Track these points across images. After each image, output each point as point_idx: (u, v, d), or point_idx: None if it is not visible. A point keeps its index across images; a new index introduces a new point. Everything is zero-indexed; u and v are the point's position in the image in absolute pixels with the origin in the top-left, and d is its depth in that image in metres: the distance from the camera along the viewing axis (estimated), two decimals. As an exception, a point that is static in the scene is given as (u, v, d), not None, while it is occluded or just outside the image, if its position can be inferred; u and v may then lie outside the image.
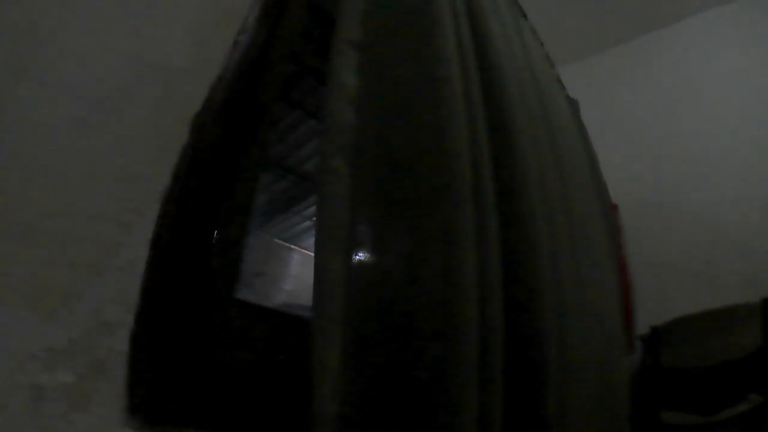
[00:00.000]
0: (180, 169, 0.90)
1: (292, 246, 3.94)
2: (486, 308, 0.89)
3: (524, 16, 1.97)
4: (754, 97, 2.83)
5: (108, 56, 0.97)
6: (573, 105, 2.21)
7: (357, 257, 0.75)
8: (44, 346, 0.77)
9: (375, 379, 0.72)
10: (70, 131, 0.89)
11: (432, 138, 0.82)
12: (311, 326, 0.72)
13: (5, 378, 0.74)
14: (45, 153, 0.86)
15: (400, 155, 0.80)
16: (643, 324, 2.53)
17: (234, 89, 1.01)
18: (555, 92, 1.98)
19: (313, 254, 0.78)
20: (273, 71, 1.11)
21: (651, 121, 3.16)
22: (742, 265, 2.55)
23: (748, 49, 2.99)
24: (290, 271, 3.96)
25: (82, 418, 0.77)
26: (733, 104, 2.91)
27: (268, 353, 0.96)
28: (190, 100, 0.97)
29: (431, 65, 0.88)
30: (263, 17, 1.15)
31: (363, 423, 0.70)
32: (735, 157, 2.79)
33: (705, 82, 3.08)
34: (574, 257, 1.46)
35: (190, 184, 0.90)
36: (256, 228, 3.64)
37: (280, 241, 3.89)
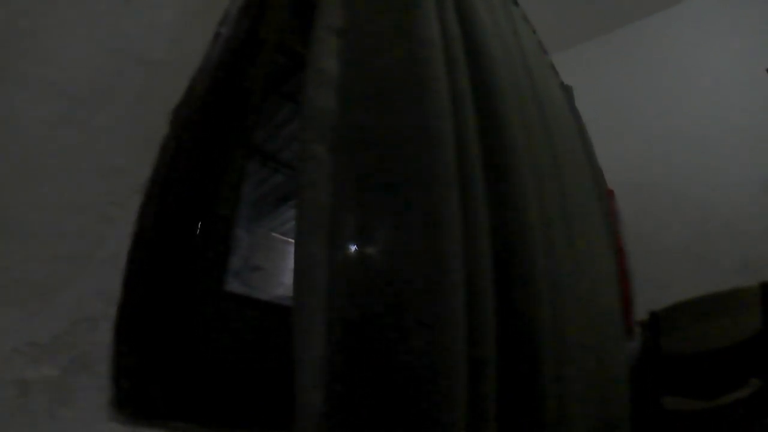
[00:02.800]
0: (162, 161, 0.89)
1: (290, 239, 3.92)
2: (476, 292, 0.88)
3: (515, 3, 1.96)
4: (747, 82, 2.82)
5: (88, 50, 0.96)
6: (567, 91, 2.20)
7: (339, 243, 0.74)
8: (28, 341, 0.76)
9: (360, 366, 0.71)
10: (51, 127, 0.88)
11: (413, 121, 0.81)
12: (293, 314, 0.72)
13: (-10, 374, 0.73)
14: (26, 149, 0.85)
15: (382, 139, 0.79)
16: (642, 310, 2.52)
17: (216, 79, 1.00)
18: (548, 79, 1.97)
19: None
20: (257, 60, 1.10)
21: (646, 107, 3.14)
22: (739, 250, 2.54)
23: (741, 34, 2.98)
24: (288, 264, 3.93)
25: (67, 413, 0.76)
26: (727, 89, 2.90)
27: (256, 344, 0.96)
28: (170, 93, 0.96)
29: (412, 49, 0.87)
30: (246, 8, 1.14)
31: (347, 412, 0.69)
32: (730, 141, 2.78)
33: (700, 67, 3.07)
34: (570, 243, 1.45)
35: (173, 176, 0.89)
36: (253, 222, 3.63)
37: (278, 235, 3.88)
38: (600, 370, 1.46)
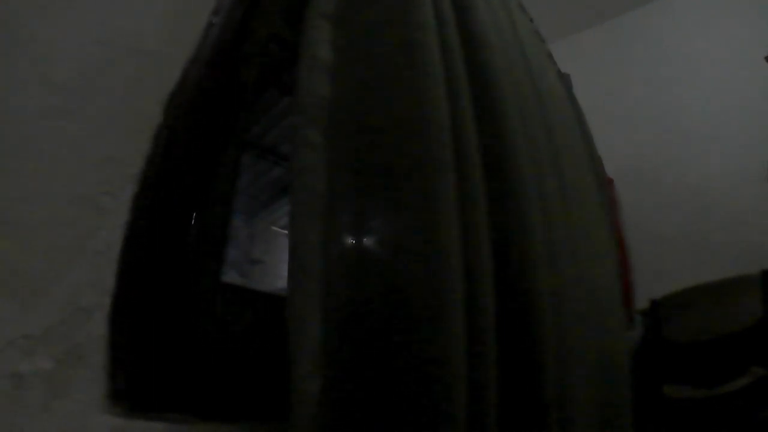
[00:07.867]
0: (155, 151, 0.88)
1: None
2: (474, 279, 0.87)
3: (512, -10, 1.94)
4: (747, 70, 2.81)
5: (79, 41, 0.95)
6: (565, 80, 2.19)
7: (335, 229, 0.73)
8: (22, 334, 0.76)
9: (356, 354, 0.70)
10: (42, 118, 0.87)
11: (408, 105, 0.81)
12: (288, 301, 0.71)
13: (-17, 367, 0.73)
14: (16, 140, 0.85)
15: (377, 124, 0.79)
16: (642, 298, 2.52)
17: (210, 69, 0.99)
18: (546, 67, 1.95)
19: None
20: (251, 50, 1.09)
21: (645, 95, 3.13)
22: (740, 237, 2.54)
23: (740, 22, 2.97)
24: (287, 256, 3.89)
25: (62, 405, 0.76)
26: (727, 77, 2.89)
27: (253, 335, 0.95)
28: (163, 83, 0.95)
29: (406, 33, 0.86)
30: (240, -3, 1.12)
31: (344, 400, 0.68)
32: (730, 129, 2.77)
33: (699, 55, 3.07)
34: (570, 232, 1.44)
35: (167, 166, 0.88)
36: (252, 215, 3.62)
37: (277, 228, 3.87)
38: (601, 359, 1.45)
